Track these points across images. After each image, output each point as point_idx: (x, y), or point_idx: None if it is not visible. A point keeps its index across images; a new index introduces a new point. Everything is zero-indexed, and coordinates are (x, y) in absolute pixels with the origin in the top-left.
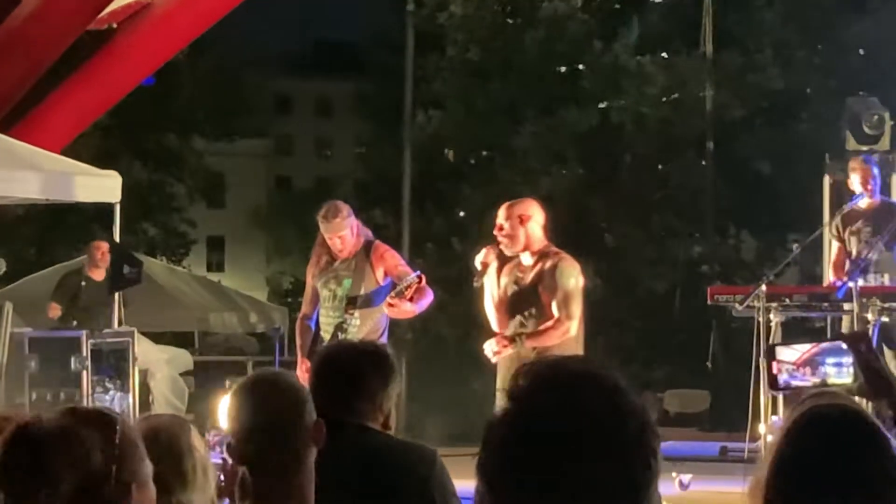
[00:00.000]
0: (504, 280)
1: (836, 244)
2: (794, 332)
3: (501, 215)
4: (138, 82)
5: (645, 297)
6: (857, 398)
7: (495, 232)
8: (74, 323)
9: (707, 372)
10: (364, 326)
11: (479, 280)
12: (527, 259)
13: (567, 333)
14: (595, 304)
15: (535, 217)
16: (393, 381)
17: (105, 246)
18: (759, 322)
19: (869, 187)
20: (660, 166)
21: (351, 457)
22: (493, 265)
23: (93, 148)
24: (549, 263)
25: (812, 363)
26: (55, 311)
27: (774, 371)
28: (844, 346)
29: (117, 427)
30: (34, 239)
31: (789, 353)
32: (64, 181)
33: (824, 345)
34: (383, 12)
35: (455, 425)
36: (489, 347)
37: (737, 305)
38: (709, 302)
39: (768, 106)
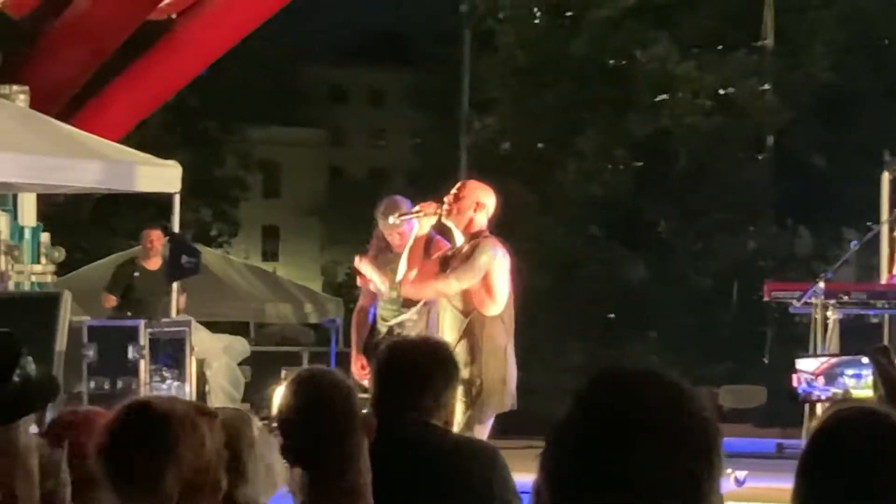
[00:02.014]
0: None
1: None
2: (851, 328)
3: (461, 188)
4: (197, 73)
5: (701, 292)
6: None
7: (446, 197)
8: (129, 314)
9: (764, 367)
10: (421, 322)
11: None
12: (460, 240)
13: (447, 290)
14: (648, 299)
15: (488, 207)
16: (455, 380)
17: (155, 234)
18: (815, 319)
19: None
20: (716, 161)
21: (414, 453)
22: None
23: (147, 135)
24: (474, 242)
25: (829, 374)
26: (110, 301)
27: (794, 383)
28: (865, 359)
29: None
30: (93, 227)
31: (809, 364)
32: (125, 171)
33: (845, 356)
34: (437, 3)
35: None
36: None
37: (794, 302)
38: (765, 298)
39: (827, 101)
